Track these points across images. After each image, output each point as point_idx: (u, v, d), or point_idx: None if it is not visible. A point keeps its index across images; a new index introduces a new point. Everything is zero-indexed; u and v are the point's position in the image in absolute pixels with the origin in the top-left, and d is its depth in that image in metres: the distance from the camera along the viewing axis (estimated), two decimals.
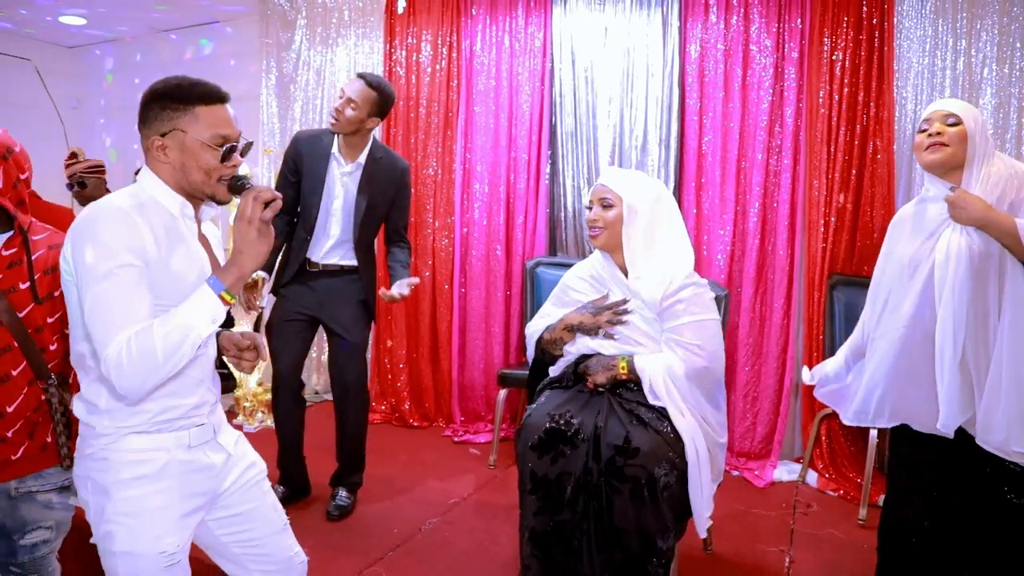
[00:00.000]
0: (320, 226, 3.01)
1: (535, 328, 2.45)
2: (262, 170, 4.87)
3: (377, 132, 4.55)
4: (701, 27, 3.82)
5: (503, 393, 3.78)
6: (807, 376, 2.46)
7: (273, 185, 3.53)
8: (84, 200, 4.36)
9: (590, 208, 2.37)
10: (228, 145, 1.57)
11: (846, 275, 3.60)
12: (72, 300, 1.56)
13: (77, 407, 1.64)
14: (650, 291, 2.25)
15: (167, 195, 1.59)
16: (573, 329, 2.32)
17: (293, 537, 1.86)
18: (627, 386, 2.25)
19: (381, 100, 2.92)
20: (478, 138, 4.27)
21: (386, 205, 3.08)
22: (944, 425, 1.93)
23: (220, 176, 1.57)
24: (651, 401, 2.18)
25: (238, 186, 1.57)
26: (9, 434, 1.87)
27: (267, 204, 1.49)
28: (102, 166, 4.38)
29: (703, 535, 2.27)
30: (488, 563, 2.66)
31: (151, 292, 1.49)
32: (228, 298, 1.47)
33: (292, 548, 1.84)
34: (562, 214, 4.15)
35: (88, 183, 4.35)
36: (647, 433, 2.11)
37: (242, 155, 1.63)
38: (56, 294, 1.91)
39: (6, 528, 1.91)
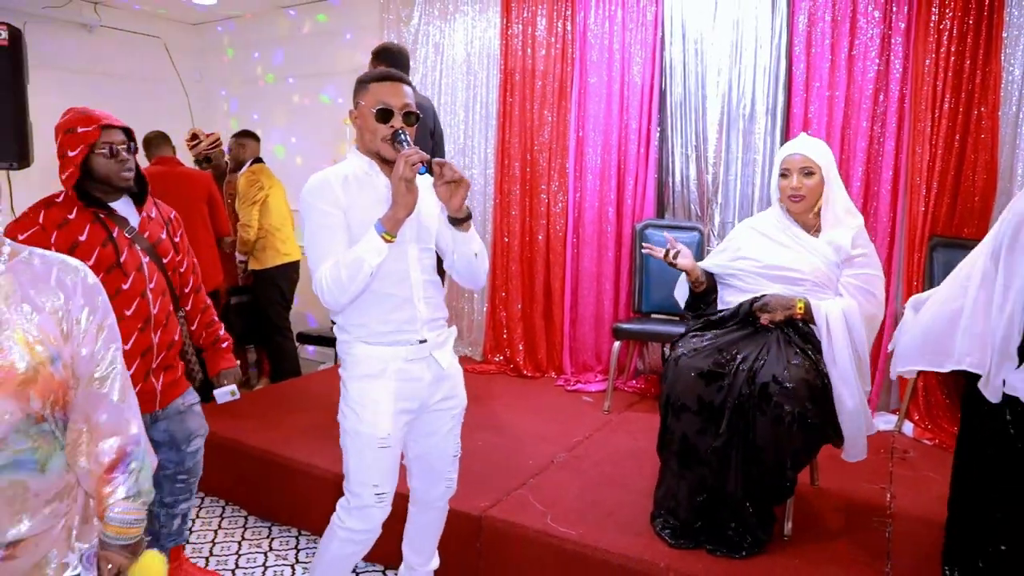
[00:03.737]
0: None
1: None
2: None
3: (493, 103, 4.86)
4: None
5: (617, 345, 4.08)
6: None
7: None
8: (213, 171, 4.89)
9: (785, 176, 2.61)
10: (381, 107, 1.93)
11: (946, 237, 3.71)
12: None
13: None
14: (845, 240, 2.56)
15: (359, 159, 2.01)
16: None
17: (456, 469, 2.29)
18: (796, 325, 2.55)
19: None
20: (591, 107, 4.51)
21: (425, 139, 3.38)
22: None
23: (383, 136, 1.94)
24: (821, 337, 2.47)
25: (396, 139, 1.92)
26: (174, 359, 2.39)
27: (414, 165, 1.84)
28: (219, 140, 4.96)
29: (860, 456, 2.59)
30: (619, 488, 2.97)
31: (348, 232, 1.92)
32: (388, 237, 1.85)
33: (450, 475, 2.27)
34: (670, 179, 4.39)
35: (212, 158, 4.92)
36: (803, 372, 2.38)
37: (406, 122, 1.95)
38: (177, 240, 2.40)
39: (177, 440, 2.40)
